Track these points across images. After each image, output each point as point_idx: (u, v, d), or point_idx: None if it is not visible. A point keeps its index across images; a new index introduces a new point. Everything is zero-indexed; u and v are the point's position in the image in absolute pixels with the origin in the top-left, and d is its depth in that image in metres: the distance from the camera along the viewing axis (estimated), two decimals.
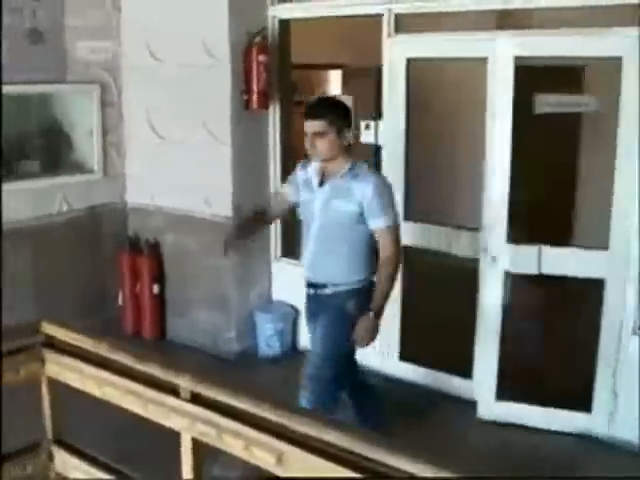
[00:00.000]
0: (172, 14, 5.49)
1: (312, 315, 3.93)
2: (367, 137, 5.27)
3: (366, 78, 6.43)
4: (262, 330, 5.59)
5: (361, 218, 3.66)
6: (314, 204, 3.80)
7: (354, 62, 7.25)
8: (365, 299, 3.69)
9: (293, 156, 5.91)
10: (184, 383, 2.11)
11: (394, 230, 3.69)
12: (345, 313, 3.72)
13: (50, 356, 2.55)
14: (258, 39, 5.33)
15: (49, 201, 5.49)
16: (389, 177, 4.97)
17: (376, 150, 5.36)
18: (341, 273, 3.75)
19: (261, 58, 5.28)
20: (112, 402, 2.37)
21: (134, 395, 2.27)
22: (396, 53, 4.97)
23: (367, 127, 5.25)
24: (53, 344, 2.57)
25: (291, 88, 6.02)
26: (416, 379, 5.15)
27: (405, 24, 5.00)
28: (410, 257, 5.08)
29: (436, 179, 6.78)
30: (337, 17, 5.47)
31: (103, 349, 2.41)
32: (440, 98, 6.60)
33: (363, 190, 3.63)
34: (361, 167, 3.74)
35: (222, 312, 5.58)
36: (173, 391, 2.15)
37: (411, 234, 5.02)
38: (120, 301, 6.00)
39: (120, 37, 5.83)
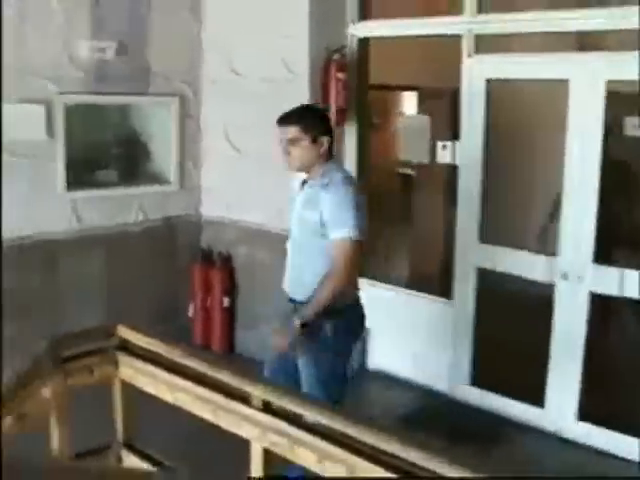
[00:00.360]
0: (253, 28, 5.54)
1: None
2: (443, 158, 5.21)
3: (441, 100, 6.40)
4: None
5: (324, 230, 3.45)
6: (294, 212, 3.69)
7: (429, 84, 7.20)
8: (344, 321, 3.54)
9: (368, 176, 5.91)
10: (256, 391, 2.10)
11: (350, 245, 3.40)
12: (323, 336, 3.51)
13: (124, 359, 2.57)
14: (337, 56, 5.34)
15: (125, 210, 5.58)
16: (465, 198, 5.01)
17: (453, 170, 5.31)
18: (312, 291, 3.52)
19: (340, 75, 5.28)
20: (184, 408, 2.37)
21: (206, 402, 2.26)
22: (475, 73, 4.91)
23: (444, 147, 5.20)
24: (127, 348, 2.59)
25: (368, 107, 6.00)
26: (486, 405, 5.04)
27: (484, 45, 4.95)
28: (483, 280, 5.01)
29: (512, 201, 6.69)
30: (415, 37, 5.45)
31: (177, 355, 2.42)
32: (518, 119, 6.51)
33: (325, 200, 3.43)
34: (334, 175, 3.52)
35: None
36: (245, 399, 2.14)
37: (485, 256, 4.96)
38: (190, 312, 6.03)
39: (201, 51, 5.90)
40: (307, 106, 3.82)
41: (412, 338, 5.34)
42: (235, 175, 5.82)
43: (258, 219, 5.68)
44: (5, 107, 4.79)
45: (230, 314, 5.96)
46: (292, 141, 3.54)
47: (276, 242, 5.57)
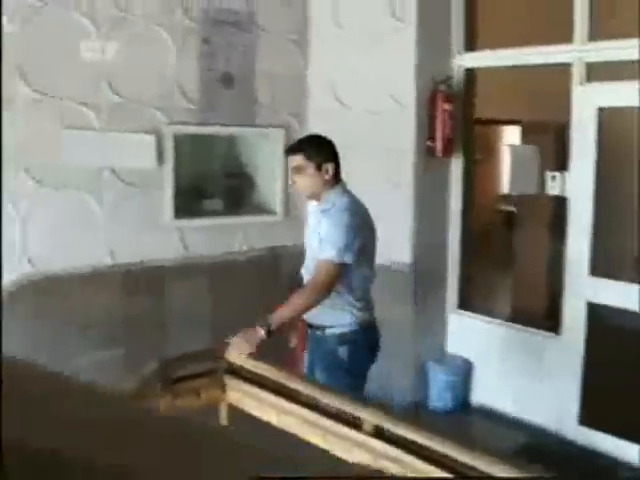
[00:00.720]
0: (359, 60, 5.55)
1: (310, 355, 3.83)
2: (553, 189, 5.10)
3: (545, 133, 6.26)
4: (434, 382, 5.45)
5: None
6: (306, 238, 3.80)
7: (532, 117, 7.07)
8: (358, 346, 3.59)
9: (473, 210, 5.82)
10: (368, 416, 2.05)
11: (332, 267, 3.43)
12: (338, 360, 3.57)
13: (232, 382, 2.56)
14: (444, 87, 5.30)
15: (231, 239, 5.63)
16: (575, 229, 4.87)
17: (559, 202, 5.19)
18: (326, 314, 3.56)
19: (447, 106, 5.24)
20: (291, 432, 2.34)
21: (314, 426, 2.23)
22: (586, 102, 4.80)
23: (553, 178, 5.08)
24: (235, 371, 2.58)
25: (473, 140, 5.91)
26: (596, 445, 4.84)
27: (595, 72, 4.84)
28: (596, 315, 4.84)
29: (625, 232, 6.46)
30: (520, 68, 5.38)
31: (285, 379, 2.40)
32: (630, 147, 6.31)
33: (323, 224, 3.52)
34: (336, 201, 3.58)
35: (393, 360, 5.48)
36: (355, 424, 2.09)
37: (596, 290, 4.80)
38: (292, 342, 6.02)
39: (307, 83, 5.96)
40: (312, 135, 3.96)
41: (517, 373, 5.20)
42: None
43: None
44: (117, 136, 4.94)
45: None
46: (297, 169, 3.63)
47: (379, 274, 5.52)
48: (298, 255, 5.98)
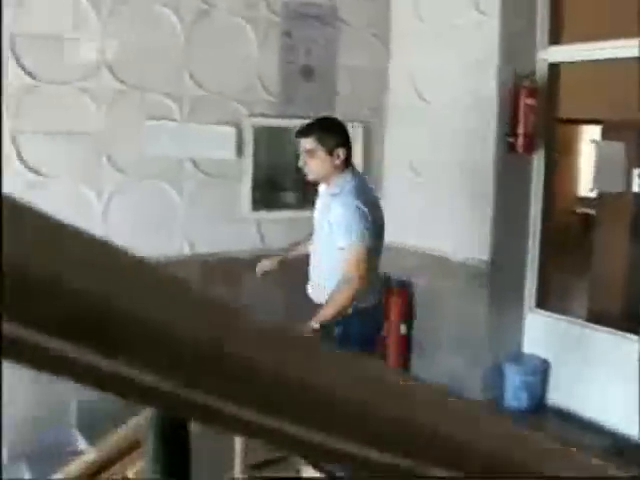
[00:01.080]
0: (440, 54, 5.50)
1: None
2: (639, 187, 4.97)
3: (629, 131, 6.09)
4: (510, 382, 5.35)
5: (333, 237, 3.51)
6: (315, 220, 3.81)
7: (617, 112, 6.88)
8: (352, 327, 3.54)
9: (554, 211, 5.71)
10: None
11: (359, 250, 3.43)
12: (331, 338, 3.52)
13: None
14: (527, 82, 5.19)
15: (307, 232, 5.62)
16: None
17: None
18: (325, 294, 3.55)
19: (529, 101, 5.12)
20: None
21: None
22: None
23: None
24: None
25: (556, 137, 5.78)
26: None
27: None
28: None
29: None
30: (609, 62, 5.24)
31: None
32: None
33: (332, 209, 3.51)
34: (346, 185, 3.57)
35: (469, 358, 5.42)
36: None
37: None
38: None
39: (387, 77, 5.93)
40: (325, 117, 3.94)
41: (595, 374, 5.07)
42: (416, 201, 5.76)
43: (438, 247, 5.59)
44: (198, 127, 5.01)
45: (406, 341, 5.88)
46: (309, 152, 3.62)
47: (456, 271, 5.48)
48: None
